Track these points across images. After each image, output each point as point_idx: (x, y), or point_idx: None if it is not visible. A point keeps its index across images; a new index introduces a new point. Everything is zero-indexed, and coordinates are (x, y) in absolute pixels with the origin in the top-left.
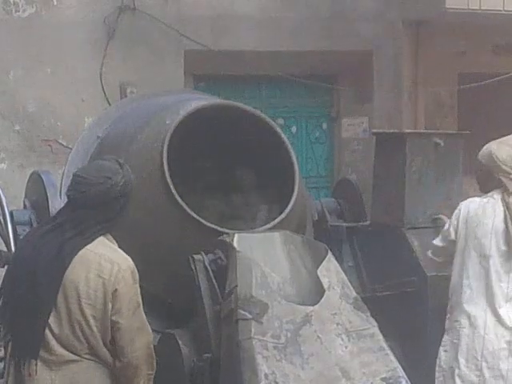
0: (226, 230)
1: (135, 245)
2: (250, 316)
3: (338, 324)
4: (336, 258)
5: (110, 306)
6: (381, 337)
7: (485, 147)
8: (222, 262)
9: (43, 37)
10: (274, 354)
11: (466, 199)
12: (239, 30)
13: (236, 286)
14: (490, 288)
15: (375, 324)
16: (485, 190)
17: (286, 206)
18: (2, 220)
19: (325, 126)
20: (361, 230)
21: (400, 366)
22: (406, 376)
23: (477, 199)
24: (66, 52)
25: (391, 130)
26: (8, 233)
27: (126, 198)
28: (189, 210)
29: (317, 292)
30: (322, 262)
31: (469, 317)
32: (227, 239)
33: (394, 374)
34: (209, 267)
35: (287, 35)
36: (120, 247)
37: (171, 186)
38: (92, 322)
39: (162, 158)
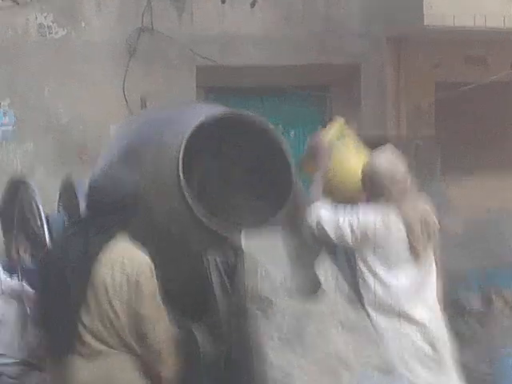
0: (234, 235)
1: (152, 245)
2: (257, 311)
3: (334, 317)
4: (330, 255)
5: (133, 297)
6: (372, 329)
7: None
8: (231, 261)
9: (73, 55)
10: (279, 345)
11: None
12: (244, 47)
13: (244, 283)
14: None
15: (366, 317)
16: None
17: (283, 203)
18: (39, 223)
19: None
20: None
21: (392, 357)
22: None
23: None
24: (93, 69)
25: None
26: (45, 235)
27: (137, 203)
28: (204, 220)
29: (314, 286)
30: (317, 258)
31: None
32: (235, 241)
33: (388, 364)
34: (220, 266)
35: (287, 51)
36: (139, 246)
37: (187, 195)
38: (120, 313)
39: (178, 165)
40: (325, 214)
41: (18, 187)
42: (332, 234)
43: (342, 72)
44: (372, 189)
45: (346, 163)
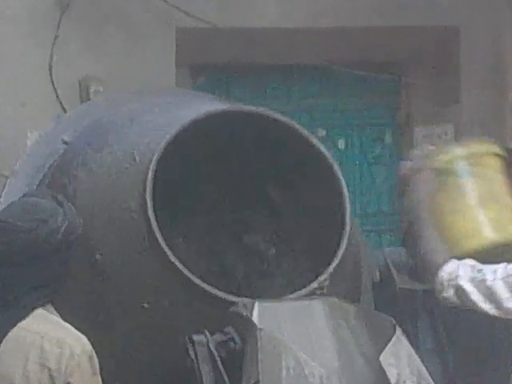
0: (239, 298)
1: (98, 320)
2: None
3: None
4: (408, 338)
5: None
6: None
7: None
8: (235, 345)
9: None
10: None
11: None
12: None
13: (258, 382)
14: None
15: None
16: None
17: (332, 259)
18: None
19: (388, 138)
20: None
21: None
22: None
23: None
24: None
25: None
26: None
27: (71, 250)
28: (183, 270)
29: None
30: (386, 344)
31: None
32: (243, 311)
33: None
34: (215, 353)
35: (326, 5)
36: (70, 321)
37: (155, 228)
38: None
39: (144, 190)
40: (467, 276)
41: None
42: (481, 302)
43: (427, 41)
44: None
45: (484, 202)
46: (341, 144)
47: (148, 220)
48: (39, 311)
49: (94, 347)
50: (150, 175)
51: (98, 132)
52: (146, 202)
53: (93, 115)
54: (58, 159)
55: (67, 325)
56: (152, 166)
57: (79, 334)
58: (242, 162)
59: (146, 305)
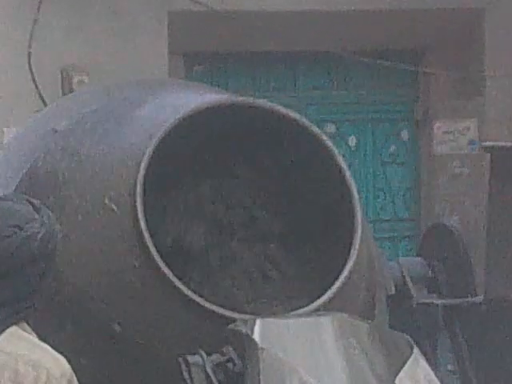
0: (239, 314)
1: (81, 340)
2: None
3: None
4: (427, 359)
5: None
6: None
7: None
8: (234, 366)
9: None
10: None
11: None
12: None
13: None
14: None
15: None
16: None
17: (341, 270)
18: None
19: (405, 134)
20: (468, 310)
21: None
22: None
23: None
24: None
25: None
26: None
27: (49, 261)
28: (178, 283)
29: None
30: (403, 365)
31: None
32: (243, 328)
33: None
34: (212, 375)
35: None
36: (46, 340)
37: (151, 247)
38: None
39: (135, 193)
40: None
41: None
42: None
43: (448, 26)
44: None
45: None
46: (352, 141)
47: (139, 228)
48: (12, 329)
49: (74, 370)
50: (140, 179)
51: (85, 127)
52: (136, 210)
53: (79, 106)
54: (41, 156)
55: (44, 345)
56: (143, 165)
57: (57, 354)
58: (241, 160)
59: (133, 320)
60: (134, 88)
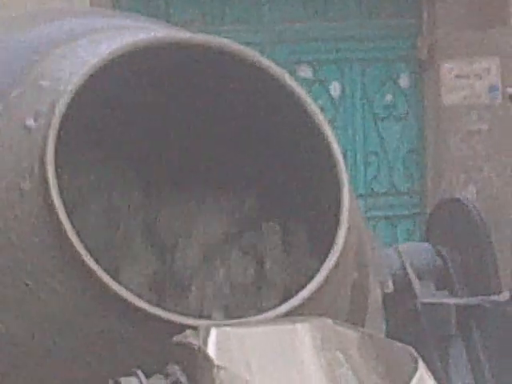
0: (187, 319)
1: None
2: None
3: None
4: (436, 375)
5: None
6: None
7: None
8: None
9: None
10: None
11: None
12: None
13: None
14: None
15: None
16: None
17: (322, 263)
18: None
19: (404, 80)
20: (489, 311)
21: None
22: None
23: None
24: None
25: None
26: None
27: None
28: (101, 274)
29: None
30: (406, 383)
31: None
32: (193, 340)
33: None
34: None
35: None
36: None
37: (61, 216)
38: None
39: (44, 157)
40: None
41: None
42: None
43: None
44: None
45: None
46: (334, 89)
47: (50, 201)
48: None
49: None
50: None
51: None
52: (47, 178)
53: None
54: None
55: None
56: (56, 117)
57: None
58: (187, 115)
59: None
60: (48, 16)
